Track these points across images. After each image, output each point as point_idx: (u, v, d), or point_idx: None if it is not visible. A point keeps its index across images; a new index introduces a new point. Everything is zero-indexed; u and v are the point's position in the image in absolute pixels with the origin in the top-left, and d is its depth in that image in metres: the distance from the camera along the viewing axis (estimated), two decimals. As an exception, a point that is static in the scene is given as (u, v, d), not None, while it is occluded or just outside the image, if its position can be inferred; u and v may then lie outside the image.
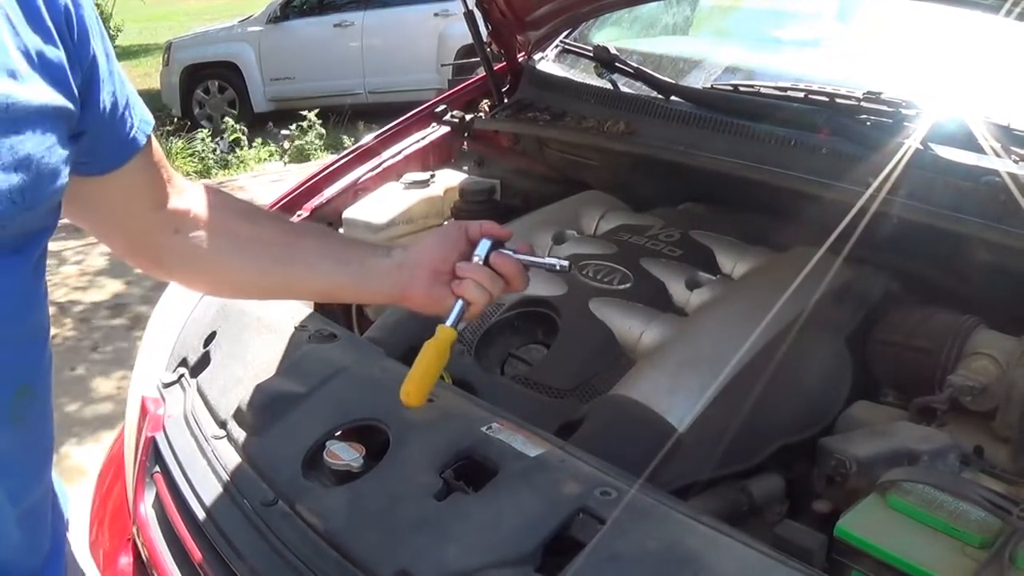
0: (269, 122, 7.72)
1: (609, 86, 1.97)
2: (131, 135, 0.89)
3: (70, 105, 0.78)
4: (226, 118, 7.60)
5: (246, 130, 7.25)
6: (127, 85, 0.89)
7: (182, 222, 0.99)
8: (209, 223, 1.00)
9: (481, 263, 1.03)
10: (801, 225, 1.43)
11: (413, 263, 1.03)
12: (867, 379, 1.32)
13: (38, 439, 0.86)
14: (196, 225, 0.99)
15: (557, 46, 2.20)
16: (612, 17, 2.32)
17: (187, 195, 1.00)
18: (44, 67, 0.75)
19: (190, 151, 7.01)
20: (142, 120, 0.91)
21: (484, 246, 1.04)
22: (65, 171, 0.77)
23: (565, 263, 1.06)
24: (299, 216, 1.90)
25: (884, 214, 1.29)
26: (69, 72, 0.78)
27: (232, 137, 7.17)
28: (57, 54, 0.77)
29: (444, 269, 1.03)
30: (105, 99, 0.83)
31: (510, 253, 1.05)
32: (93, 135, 0.83)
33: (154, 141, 0.94)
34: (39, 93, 0.74)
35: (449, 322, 1.03)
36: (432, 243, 1.05)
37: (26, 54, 0.73)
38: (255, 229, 1.02)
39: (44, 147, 0.74)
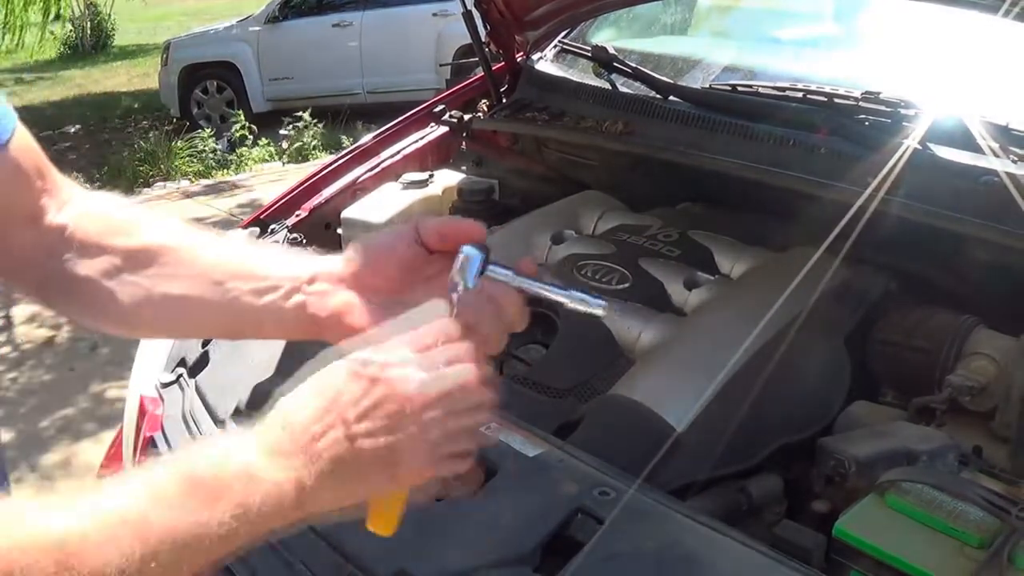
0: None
1: (608, 86, 1.97)
2: None
3: None
4: (239, 112, 7.58)
5: (255, 128, 7.25)
6: None
7: (56, 242, 0.80)
8: (83, 245, 0.80)
9: (469, 287, 0.68)
10: (800, 225, 1.43)
11: (329, 275, 0.75)
12: (866, 379, 1.31)
13: None
14: (70, 246, 0.80)
15: (556, 46, 2.20)
16: (611, 17, 2.32)
17: (69, 209, 0.82)
18: None
19: (190, 151, 7.00)
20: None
21: (474, 261, 0.68)
22: None
23: (602, 303, 0.69)
24: (298, 217, 1.90)
25: (883, 214, 1.29)
26: None
27: (239, 134, 7.17)
28: None
29: (376, 286, 0.74)
30: None
31: (520, 280, 0.69)
32: None
33: (30, 149, 0.79)
34: None
35: None
36: (365, 247, 0.76)
37: None
38: (133, 249, 0.79)
39: None
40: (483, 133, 2.14)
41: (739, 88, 1.72)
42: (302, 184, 1.97)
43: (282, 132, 7.20)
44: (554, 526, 0.92)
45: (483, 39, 2.07)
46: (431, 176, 2.01)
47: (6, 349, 3.91)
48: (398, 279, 0.74)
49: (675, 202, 1.83)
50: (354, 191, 1.99)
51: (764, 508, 1.14)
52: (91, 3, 14.46)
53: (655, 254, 1.55)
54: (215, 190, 6.43)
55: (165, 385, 1.44)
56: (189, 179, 6.77)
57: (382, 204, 1.92)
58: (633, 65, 1.91)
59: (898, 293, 1.39)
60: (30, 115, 9.86)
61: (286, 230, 1.84)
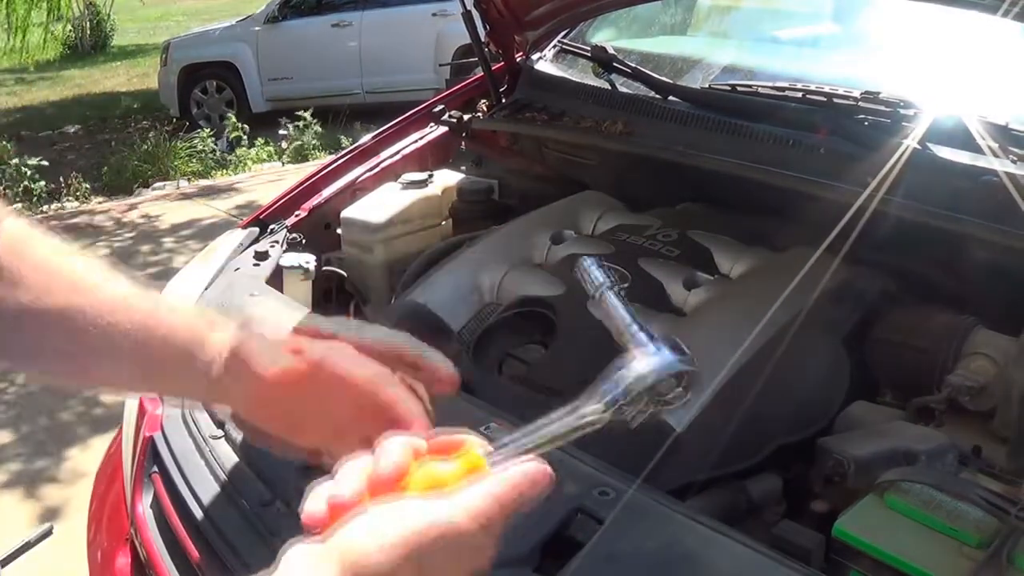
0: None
1: (607, 86, 1.97)
2: None
3: None
4: (230, 115, 7.60)
5: (248, 128, 7.26)
6: None
7: None
8: None
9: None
10: (799, 225, 1.43)
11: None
12: (865, 379, 1.31)
13: None
14: None
15: (555, 46, 2.20)
16: (610, 17, 2.32)
17: None
18: None
19: (189, 151, 7.01)
20: None
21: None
22: None
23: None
24: (297, 217, 1.90)
25: (882, 214, 1.29)
26: None
27: (233, 135, 7.17)
28: None
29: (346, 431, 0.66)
30: None
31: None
32: None
33: None
34: None
35: None
36: (250, 371, 0.65)
37: None
38: (35, 297, 0.68)
39: None
40: (483, 133, 2.14)
41: (739, 88, 1.72)
42: (302, 184, 1.97)
43: (281, 132, 7.20)
44: (554, 526, 0.92)
45: (483, 39, 2.07)
46: (431, 176, 2.01)
47: (5, 349, 3.91)
48: (320, 432, 0.63)
49: (675, 202, 1.83)
50: (354, 191, 1.99)
51: (764, 508, 1.14)
52: (91, 3, 14.46)
53: (654, 254, 1.55)
54: (214, 190, 6.43)
55: (164, 385, 1.44)
56: (188, 179, 6.77)
57: (382, 204, 1.92)
58: (632, 65, 1.91)
59: (897, 293, 1.39)
60: (30, 115, 9.91)
61: (286, 230, 1.84)
